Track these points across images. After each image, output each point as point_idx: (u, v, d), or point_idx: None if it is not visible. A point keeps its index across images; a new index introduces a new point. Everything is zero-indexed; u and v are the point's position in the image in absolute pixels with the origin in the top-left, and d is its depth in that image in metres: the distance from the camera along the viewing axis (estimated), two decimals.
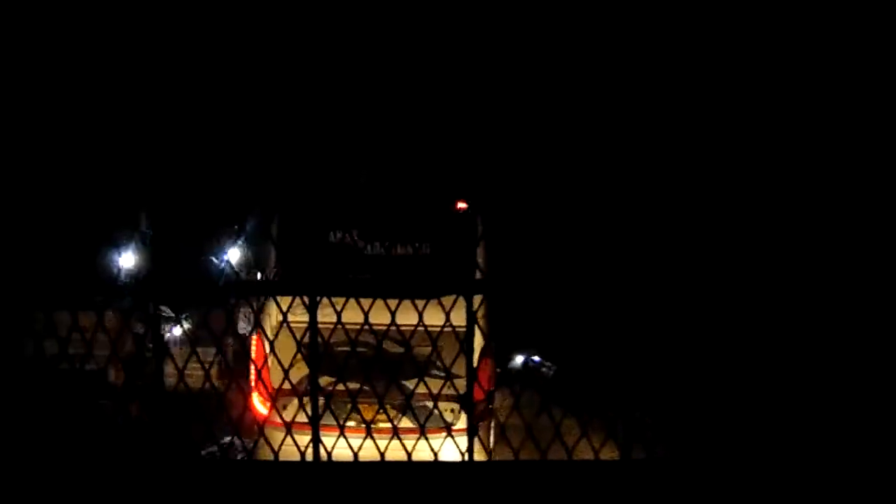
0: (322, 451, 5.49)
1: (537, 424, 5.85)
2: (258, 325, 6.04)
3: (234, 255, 26.25)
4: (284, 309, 5.44)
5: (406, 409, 5.76)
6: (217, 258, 26.40)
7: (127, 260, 23.34)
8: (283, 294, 5.19)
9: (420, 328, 5.61)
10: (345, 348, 5.67)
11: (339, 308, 5.51)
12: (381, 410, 5.79)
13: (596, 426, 6.19)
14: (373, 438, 5.81)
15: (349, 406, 5.67)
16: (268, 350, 5.69)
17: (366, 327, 5.55)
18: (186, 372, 5.46)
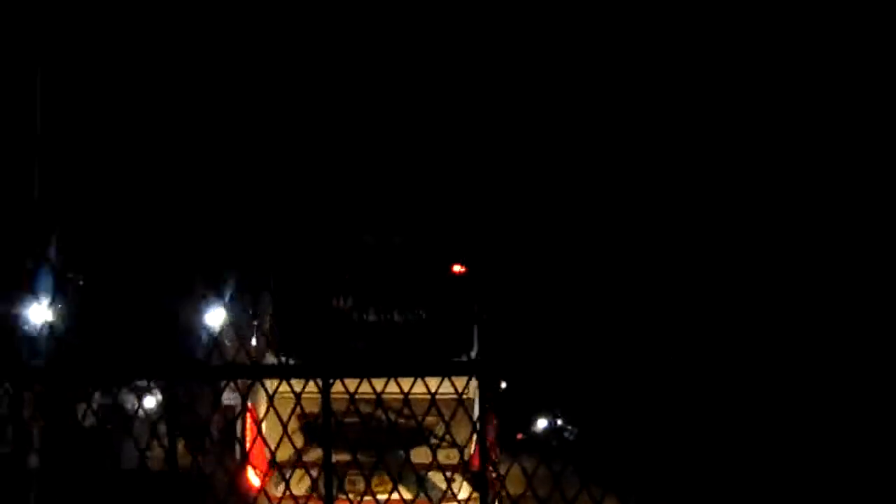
0: None
1: (553, 497, 5.84)
2: (247, 398, 5.99)
3: (217, 316, 25.10)
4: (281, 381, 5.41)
5: (414, 481, 5.76)
6: (200, 320, 25.34)
7: (37, 313, 21.94)
8: (297, 377, 5.18)
9: (422, 397, 5.58)
10: (352, 419, 5.66)
11: (348, 383, 5.49)
12: (394, 489, 5.79)
13: (611, 498, 6.19)
14: None
15: (349, 479, 5.65)
16: (262, 421, 5.68)
17: (365, 397, 5.54)
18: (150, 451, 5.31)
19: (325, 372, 5.02)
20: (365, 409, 5.70)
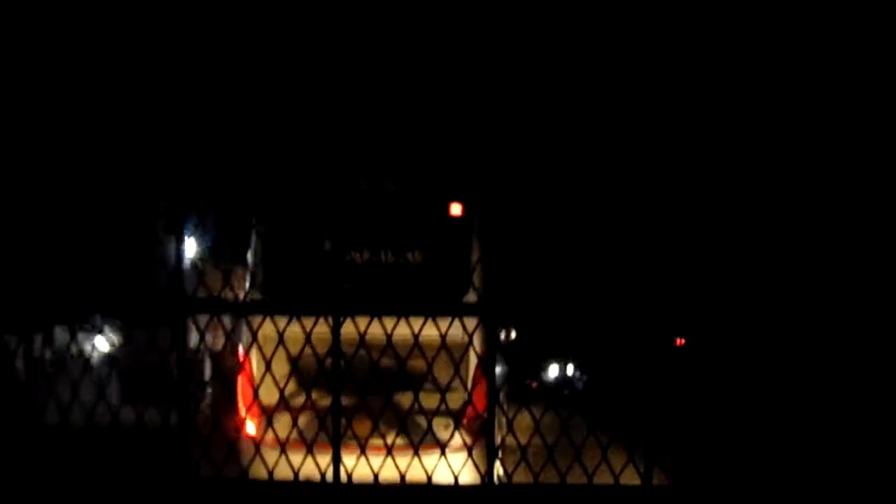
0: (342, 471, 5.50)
1: (560, 443, 5.83)
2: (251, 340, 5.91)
3: (190, 245, 24.58)
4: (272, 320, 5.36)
5: (417, 427, 5.75)
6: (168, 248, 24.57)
7: None
8: (309, 315, 5.14)
9: (427, 342, 5.54)
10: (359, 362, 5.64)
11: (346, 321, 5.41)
12: (400, 432, 5.79)
13: (618, 446, 6.19)
14: (393, 458, 5.80)
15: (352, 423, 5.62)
16: (254, 366, 5.63)
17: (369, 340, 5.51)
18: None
19: (337, 310, 4.98)
20: (360, 351, 5.65)
